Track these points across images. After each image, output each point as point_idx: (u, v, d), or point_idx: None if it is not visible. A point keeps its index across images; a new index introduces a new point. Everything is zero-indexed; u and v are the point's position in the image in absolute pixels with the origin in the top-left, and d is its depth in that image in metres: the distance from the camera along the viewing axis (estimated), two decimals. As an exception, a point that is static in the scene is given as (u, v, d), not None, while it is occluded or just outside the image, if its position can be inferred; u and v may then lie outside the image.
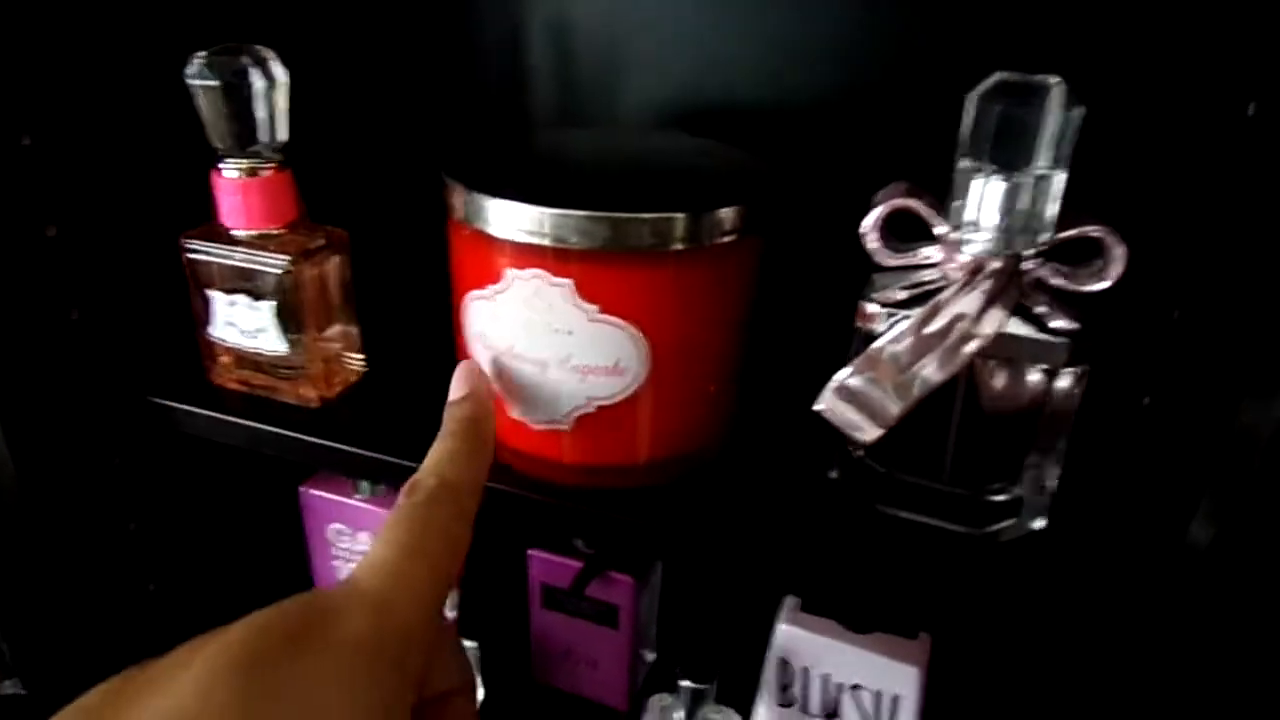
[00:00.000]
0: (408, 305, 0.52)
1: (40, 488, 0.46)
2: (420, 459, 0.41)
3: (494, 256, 0.35)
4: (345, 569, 0.57)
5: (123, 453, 0.49)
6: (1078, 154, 0.31)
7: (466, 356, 0.39)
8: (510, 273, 0.35)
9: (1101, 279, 0.32)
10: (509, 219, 0.34)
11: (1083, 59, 0.40)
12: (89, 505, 0.49)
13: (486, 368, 0.38)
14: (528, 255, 0.34)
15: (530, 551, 0.53)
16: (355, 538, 0.55)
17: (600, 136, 0.45)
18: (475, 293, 0.37)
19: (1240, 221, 0.36)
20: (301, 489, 0.56)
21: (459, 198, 0.36)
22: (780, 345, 0.45)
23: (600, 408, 0.36)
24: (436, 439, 0.31)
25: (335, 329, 0.45)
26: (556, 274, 0.34)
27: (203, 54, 0.38)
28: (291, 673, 0.21)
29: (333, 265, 0.43)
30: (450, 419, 0.32)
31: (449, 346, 0.41)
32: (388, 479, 0.45)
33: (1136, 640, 0.30)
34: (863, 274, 0.36)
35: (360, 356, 0.47)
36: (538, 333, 0.35)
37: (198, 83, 0.38)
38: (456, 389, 0.33)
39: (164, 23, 0.45)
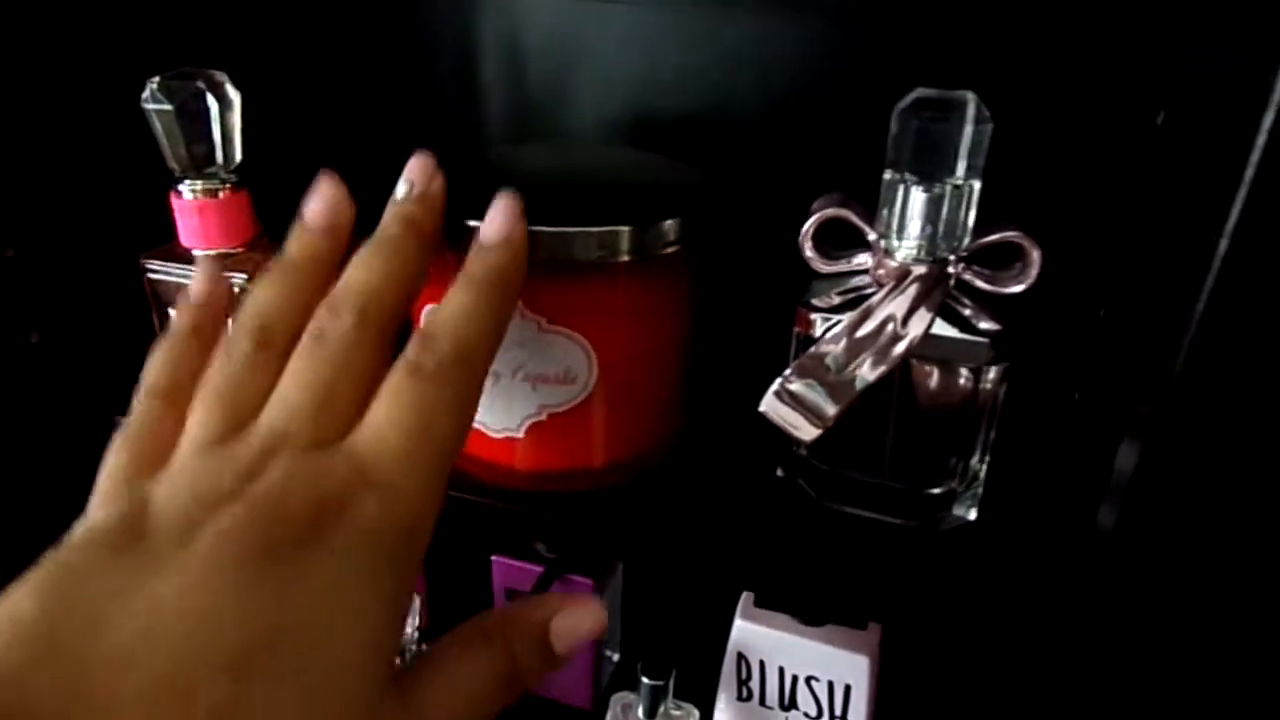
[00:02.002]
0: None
1: (1, 512, 0.46)
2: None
3: (447, 271, 0.36)
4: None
5: (87, 476, 0.50)
6: (1011, 164, 0.33)
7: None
8: (462, 286, 0.36)
9: (1020, 281, 0.34)
10: (458, 235, 0.35)
11: (1007, 74, 0.42)
12: (53, 531, 0.49)
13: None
14: (478, 269, 0.36)
15: (494, 557, 0.54)
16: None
17: (548, 152, 0.46)
18: (431, 306, 0.38)
19: (1152, 224, 0.38)
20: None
21: (411, 215, 0.37)
22: (730, 348, 0.47)
23: (552, 415, 0.38)
24: (456, 284, 0.28)
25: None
26: (505, 287, 0.35)
27: (157, 79, 0.39)
28: (302, 567, 0.20)
29: (291, 282, 0.44)
30: (476, 264, 0.28)
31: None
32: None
33: (1055, 619, 0.32)
34: (804, 281, 0.38)
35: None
36: (490, 344, 0.37)
37: (152, 107, 0.39)
38: (492, 230, 0.30)
39: (121, 47, 0.45)
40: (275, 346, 0.25)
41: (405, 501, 0.22)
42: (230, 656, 0.18)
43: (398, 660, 0.23)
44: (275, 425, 0.23)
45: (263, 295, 0.27)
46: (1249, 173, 0.22)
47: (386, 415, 0.24)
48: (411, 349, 0.25)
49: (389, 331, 0.27)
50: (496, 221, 0.30)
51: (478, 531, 0.55)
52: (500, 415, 0.38)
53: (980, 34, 0.42)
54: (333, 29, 0.53)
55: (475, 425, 0.39)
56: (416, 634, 0.49)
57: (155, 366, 0.28)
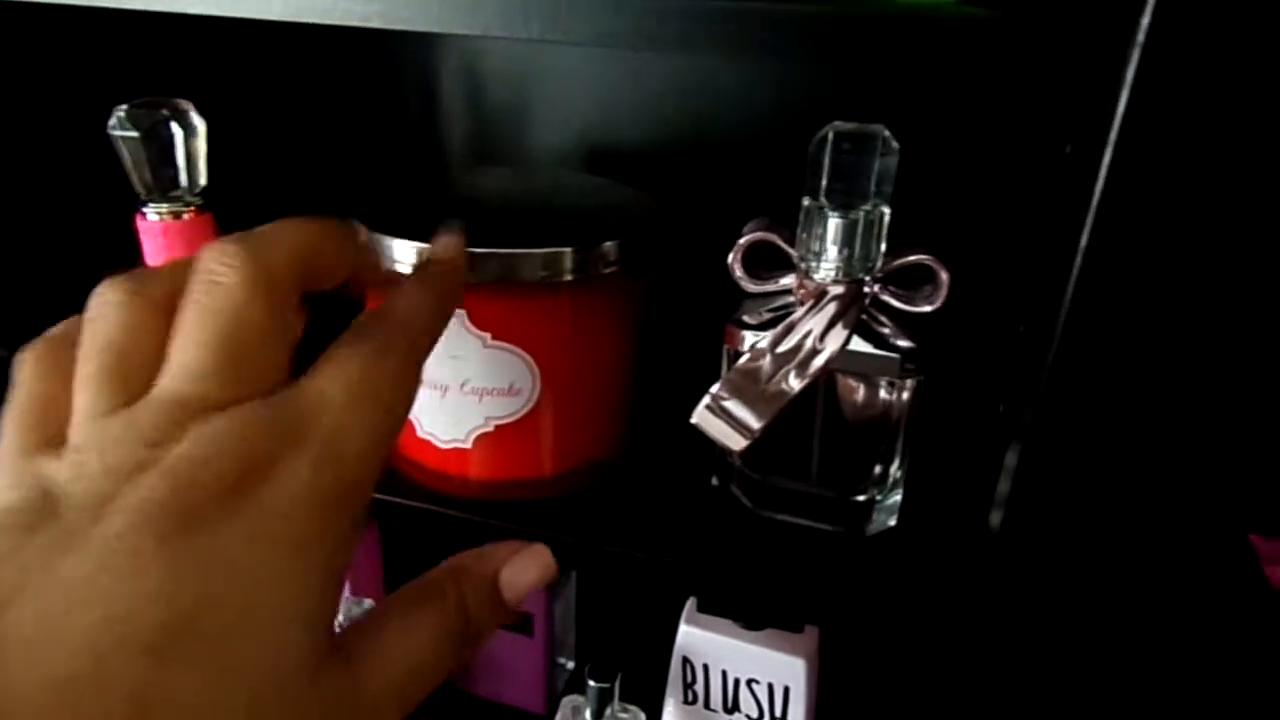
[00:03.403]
0: (329, 334, 0.55)
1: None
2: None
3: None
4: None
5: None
6: (939, 191, 0.35)
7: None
8: (411, 305, 0.38)
9: (931, 301, 0.36)
10: (405, 257, 0.37)
11: (935, 107, 0.45)
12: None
13: (394, 392, 0.41)
14: (426, 289, 0.38)
15: (450, 566, 0.56)
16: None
17: (502, 176, 0.49)
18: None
19: (1062, 246, 0.41)
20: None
21: (364, 237, 0.39)
22: (674, 362, 0.49)
23: (499, 426, 0.40)
24: (403, 283, 0.28)
25: (257, 360, 0.48)
26: (451, 305, 0.37)
27: (124, 107, 0.41)
28: (224, 537, 0.19)
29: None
30: (424, 269, 0.29)
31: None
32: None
33: (961, 619, 0.35)
34: (741, 300, 0.41)
35: (282, 385, 0.49)
36: (438, 359, 0.38)
37: (119, 134, 0.41)
38: (439, 248, 0.31)
39: (90, 75, 0.48)
40: (157, 304, 0.23)
41: (343, 463, 0.21)
42: (150, 637, 0.17)
43: (336, 627, 0.22)
44: (181, 386, 0.21)
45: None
46: (1097, 188, 0.25)
47: (328, 376, 0.22)
48: (356, 324, 0.25)
49: (283, 292, 0.24)
50: (443, 242, 0.31)
51: (432, 541, 0.56)
52: (449, 426, 0.40)
53: (901, 72, 0.45)
54: (301, 59, 0.55)
55: (425, 436, 0.41)
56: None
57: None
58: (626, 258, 0.39)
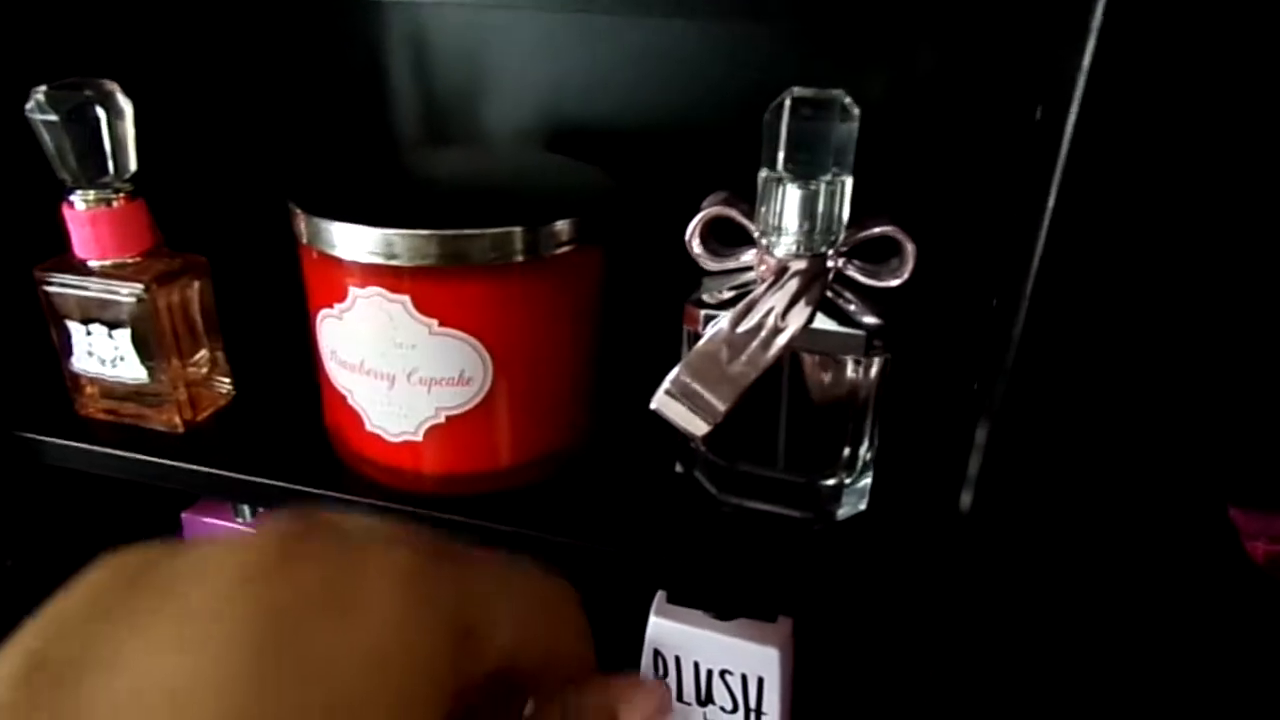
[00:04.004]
0: (276, 326, 0.53)
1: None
2: (292, 479, 0.42)
3: (338, 276, 0.37)
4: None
5: (-11, 489, 0.49)
6: (904, 160, 0.33)
7: (325, 374, 0.40)
8: (353, 291, 0.36)
9: (897, 275, 0.35)
10: (345, 240, 0.35)
11: (896, 71, 0.43)
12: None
13: (340, 382, 0.39)
14: (367, 274, 0.36)
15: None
16: (241, 561, 0.56)
17: (453, 155, 0.47)
18: (325, 311, 0.38)
19: (1033, 215, 0.39)
20: (184, 515, 0.56)
21: (302, 222, 0.37)
22: (638, 345, 0.47)
23: (450, 417, 0.38)
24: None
25: (201, 354, 0.46)
26: (393, 290, 0.35)
27: (43, 88, 0.39)
28: (326, 644, 0.16)
29: (194, 291, 0.44)
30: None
31: (309, 366, 0.42)
32: (264, 502, 0.46)
33: (933, 603, 0.33)
34: (698, 278, 0.39)
35: (228, 380, 0.47)
36: (383, 348, 0.37)
37: (39, 117, 0.39)
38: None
39: (6, 56, 0.45)
40: None
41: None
42: None
43: None
44: None
45: None
46: (1059, 168, 0.23)
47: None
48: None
49: None
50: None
51: None
52: (398, 419, 0.38)
53: (866, 34, 0.43)
54: (239, 35, 0.53)
55: (374, 430, 0.39)
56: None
57: None
58: (580, 236, 0.37)
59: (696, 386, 0.35)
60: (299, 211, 0.37)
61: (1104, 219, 0.39)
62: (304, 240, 0.37)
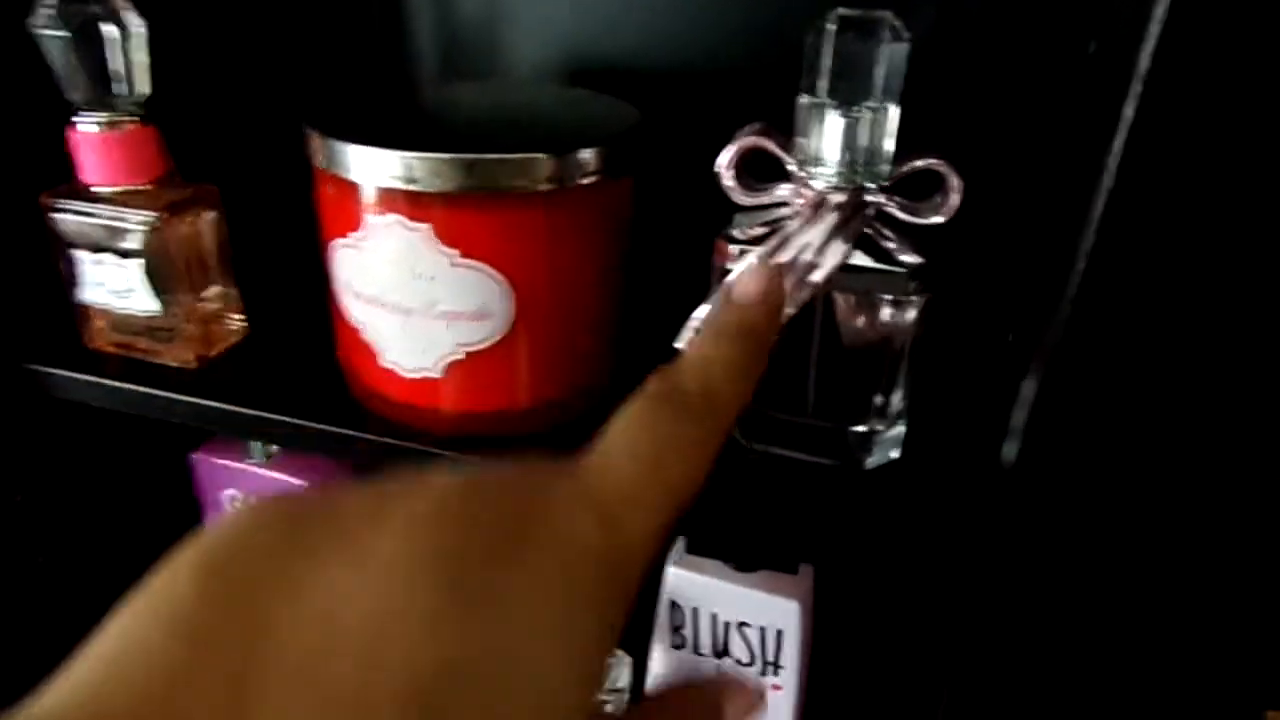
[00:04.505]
0: (290, 258, 0.52)
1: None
2: (306, 416, 0.41)
3: (355, 203, 0.35)
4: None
5: (2, 423, 0.48)
6: (945, 96, 0.31)
7: (339, 308, 0.39)
8: (370, 219, 0.35)
9: (941, 212, 0.33)
10: (363, 164, 0.34)
11: (944, 3, 0.41)
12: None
13: (355, 315, 0.38)
14: (385, 201, 0.34)
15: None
16: (253, 503, 0.55)
17: (476, 89, 0.45)
18: (340, 240, 0.37)
19: (1084, 156, 0.37)
20: (192, 456, 0.55)
21: (317, 144, 0.35)
22: (665, 283, 0.46)
23: (470, 354, 0.37)
24: (708, 332, 0.25)
25: (213, 290, 0.44)
26: (414, 219, 0.34)
27: (51, 2, 0.37)
28: (509, 580, 0.17)
29: (205, 223, 0.43)
30: (733, 318, 0.26)
31: (324, 299, 0.41)
32: (277, 439, 0.45)
33: (968, 556, 0.32)
34: (731, 213, 0.37)
35: (241, 317, 0.46)
36: (401, 279, 0.35)
37: (46, 33, 0.37)
38: (748, 286, 0.27)
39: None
40: None
41: (626, 535, 0.19)
42: (419, 684, 0.15)
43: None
44: None
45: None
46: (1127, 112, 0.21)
47: (622, 431, 0.21)
48: (655, 384, 0.22)
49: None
50: (754, 280, 0.27)
51: None
52: (415, 354, 0.37)
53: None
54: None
55: (389, 365, 0.38)
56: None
57: None
58: (608, 168, 0.36)
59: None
60: (315, 134, 0.35)
61: (1166, 167, 0.37)
62: (319, 164, 0.36)
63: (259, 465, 0.53)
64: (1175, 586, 0.29)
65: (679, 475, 0.20)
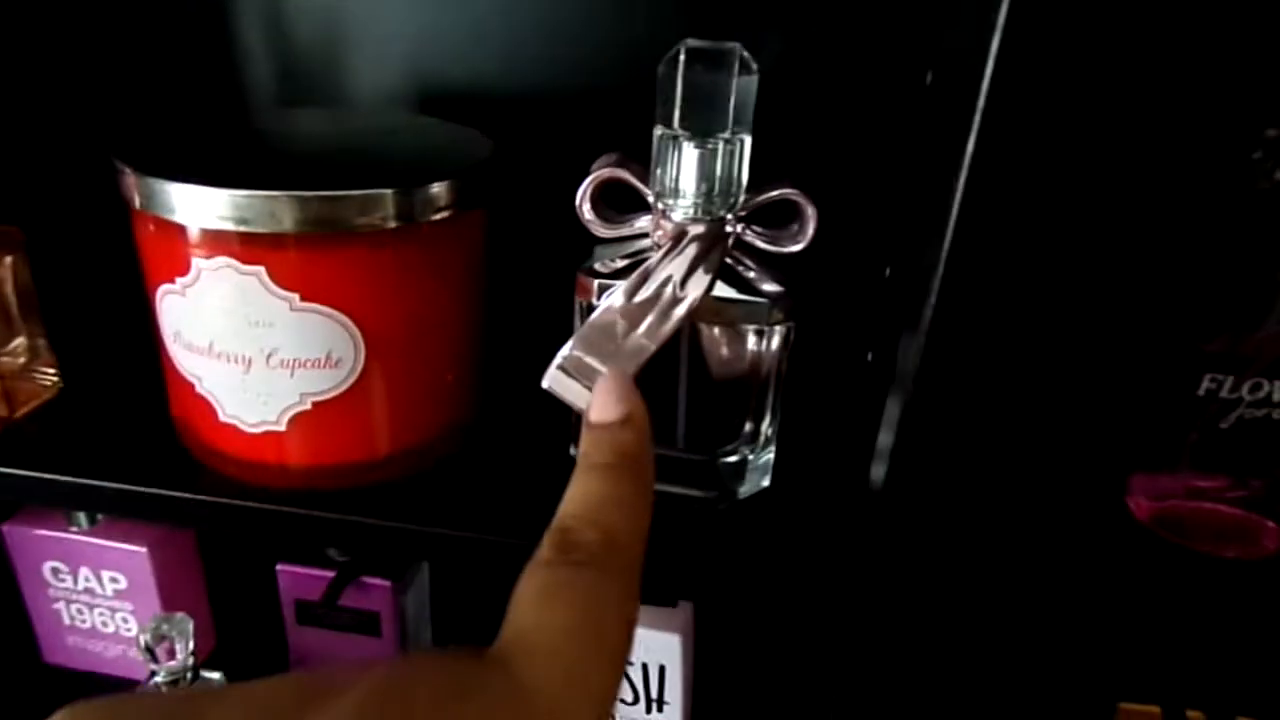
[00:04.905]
0: (109, 307, 0.47)
1: None
2: (130, 479, 0.37)
3: (179, 246, 0.32)
4: (68, 611, 0.51)
5: None
6: (790, 127, 0.32)
7: (167, 360, 0.35)
8: (198, 263, 0.32)
9: (798, 240, 0.33)
10: (187, 204, 0.31)
11: (785, 31, 0.42)
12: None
13: (187, 367, 0.34)
14: (214, 243, 0.31)
15: (279, 566, 0.49)
16: (76, 575, 0.49)
17: (304, 115, 0.42)
18: (166, 287, 0.33)
19: (926, 181, 0.39)
20: (4, 528, 0.49)
21: (133, 183, 0.32)
22: (526, 320, 0.45)
23: (317, 404, 0.34)
24: (583, 470, 0.23)
25: (18, 342, 0.40)
26: (246, 261, 0.31)
27: None
28: None
29: (5, 268, 0.38)
30: (604, 447, 0.24)
31: (151, 350, 0.37)
32: (102, 506, 0.40)
33: (842, 580, 0.32)
34: (588, 246, 0.36)
35: (53, 371, 0.41)
36: (236, 327, 0.32)
37: None
38: (609, 407, 0.25)
39: None
40: None
41: None
42: None
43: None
44: None
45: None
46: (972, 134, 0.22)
47: (535, 608, 0.19)
48: (550, 542, 0.21)
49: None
50: (612, 398, 0.25)
51: (255, 540, 0.50)
52: (256, 407, 0.34)
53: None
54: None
55: (229, 420, 0.35)
56: (191, 659, 0.44)
57: None
58: (460, 201, 0.34)
59: (591, 362, 0.32)
60: (129, 171, 0.32)
61: (1014, 188, 0.39)
62: (136, 205, 0.33)
63: (82, 533, 0.48)
64: (1033, 589, 0.30)
65: (613, 637, 0.19)
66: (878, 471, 0.28)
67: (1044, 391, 0.38)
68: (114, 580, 0.48)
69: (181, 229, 0.32)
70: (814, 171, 0.40)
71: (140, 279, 0.35)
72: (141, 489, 0.37)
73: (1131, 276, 0.41)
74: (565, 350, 0.32)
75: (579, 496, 0.22)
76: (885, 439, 0.28)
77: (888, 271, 0.44)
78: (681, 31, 0.41)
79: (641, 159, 0.35)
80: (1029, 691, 0.34)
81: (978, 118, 0.22)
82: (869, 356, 0.45)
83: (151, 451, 0.38)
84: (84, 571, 0.49)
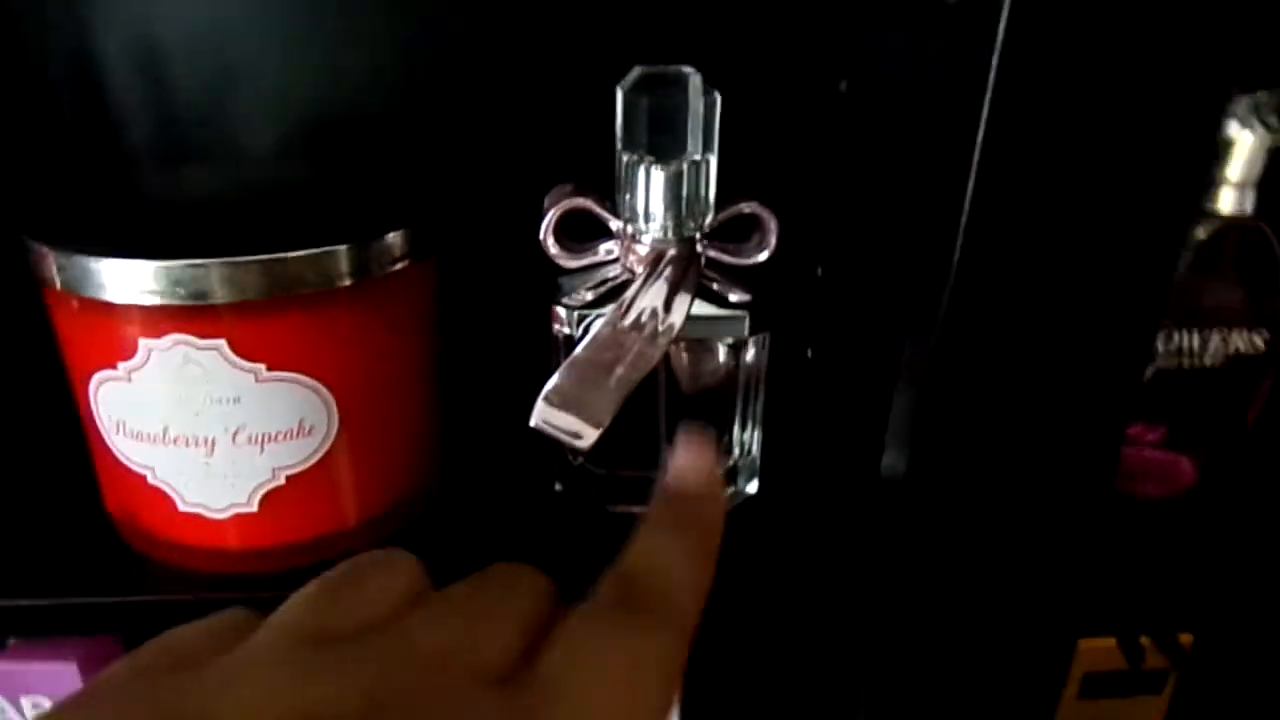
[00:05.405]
0: (16, 400, 0.42)
1: None
2: (74, 592, 0.33)
3: (119, 327, 0.29)
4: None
5: None
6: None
7: (106, 453, 0.32)
8: (145, 343, 0.29)
9: (761, 250, 0.34)
10: (126, 281, 0.28)
11: (711, 51, 0.43)
12: None
13: (135, 459, 0.31)
14: (163, 319, 0.29)
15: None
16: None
17: (217, 173, 0.39)
18: (104, 374, 0.30)
19: (846, 183, 0.41)
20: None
21: (53, 264, 0.29)
22: (481, 365, 0.43)
23: (290, 477, 0.32)
24: (653, 522, 0.21)
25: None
26: (204, 335, 0.29)
27: None
28: None
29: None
30: (675, 509, 0.22)
31: (79, 446, 0.34)
32: (27, 628, 0.36)
33: (851, 574, 0.34)
34: (542, 281, 0.36)
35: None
36: (196, 407, 0.30)
37: None
38: (694, 472, 0.23)
39: None
40: None
41: None
42: None
43: None
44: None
45: None
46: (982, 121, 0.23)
47: (577, 683, 0.17)
48: (608, 595, 0.19)
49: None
50: (699, 463, 0.23)
51: None
52: (224, 490, 0.31)
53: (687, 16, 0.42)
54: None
55: (191, 510, 0.32)
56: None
57: None
58: (414, 250, 0.33)
59: (581, 394, 0.32)
60: (46, 250, 0.29)
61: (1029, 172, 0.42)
62: (57, 286, 0.29)
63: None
64: (1000, 527, 0.31)
65: (650, 705, 0.17)
66: (895, 461, 0.29)
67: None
68: (36, 706, 0.43)
69: (120, 309, 0.29)
70: (740, 181, 0.41)
71: (63, 367, 0.32)
72: (81, 600, 0.34)
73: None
74: (553, 384, 0.32)
75: (643, 548, 0.20)
76: (898, 430, 0.29)
77: (819, 271, 0.46)
78: (600, 51, 0.42)
79: (569, 178, 0.35)
80: (985, 627, 0.35)
81: (985, 109, 0.23)
82: (809, 354, 0.47)
83: (87, 559, 0.35)
84: (26, 702, 0.43)
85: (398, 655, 0.16)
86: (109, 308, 0.29)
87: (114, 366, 0.30)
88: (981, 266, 0.25)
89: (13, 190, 0.40)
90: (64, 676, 0.42)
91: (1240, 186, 0.35)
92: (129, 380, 0.30)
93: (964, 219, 0.25)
